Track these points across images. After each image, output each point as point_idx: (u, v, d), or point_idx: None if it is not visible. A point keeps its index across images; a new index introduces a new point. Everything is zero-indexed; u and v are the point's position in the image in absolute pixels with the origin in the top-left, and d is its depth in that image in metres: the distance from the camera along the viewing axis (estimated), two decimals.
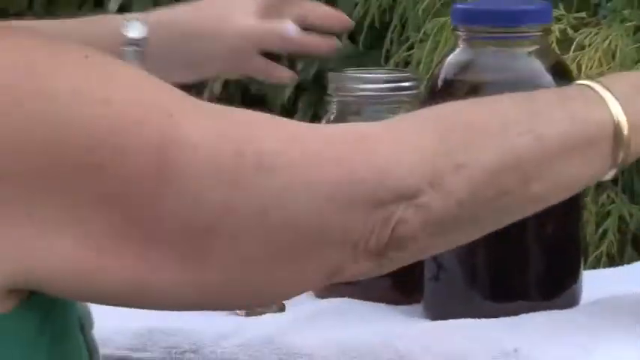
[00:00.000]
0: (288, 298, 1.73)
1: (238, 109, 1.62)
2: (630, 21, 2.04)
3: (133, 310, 1.77)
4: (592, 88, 1.75)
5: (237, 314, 1.84)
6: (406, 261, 1.69)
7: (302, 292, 1.71)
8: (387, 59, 2.22)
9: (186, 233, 1.60)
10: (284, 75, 2.67)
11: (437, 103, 1.79)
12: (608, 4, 2.11)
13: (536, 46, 1.79)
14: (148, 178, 1.58)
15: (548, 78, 1.78)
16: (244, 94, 3.05)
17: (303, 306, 1.86)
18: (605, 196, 2.00)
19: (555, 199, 1.77)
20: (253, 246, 1.61)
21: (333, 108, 1.93)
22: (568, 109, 1.75)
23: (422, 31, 2.21)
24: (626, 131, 1.72)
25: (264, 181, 1.59)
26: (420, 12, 2.25)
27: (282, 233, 1.61)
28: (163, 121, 1.62)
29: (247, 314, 1.85)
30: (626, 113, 1.73)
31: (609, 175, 1.71)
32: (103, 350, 1.72)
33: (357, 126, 1.72)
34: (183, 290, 1.63)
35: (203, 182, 1.58)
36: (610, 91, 1.75)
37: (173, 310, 1.77)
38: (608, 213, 1.98)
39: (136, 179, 1.58)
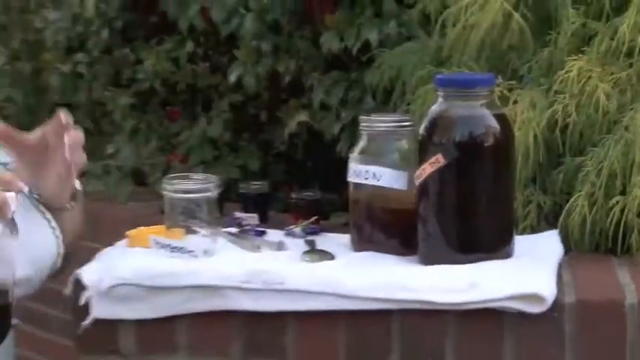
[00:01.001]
0: None
1: None
2: (543, 85, 1.98)
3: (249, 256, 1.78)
4: None
5: (306, 261, 1.77)
6: None
7: None
8: (394, 110, 2.20)
9: None
10: None
11: (427, 134, 1.75)
12: (530, 75, 2.05)
13: (485, 101, 1.74)
14: None
15: (493, 120, 1.72)
16: (309, 130, 2.99)
17: (346, 256, 1.82)
18: (528, 191, 1.94)
19: None
20: None
21: (364, 137, 1.85)
22: None
23: (416, 93, 2.15)
24: None
25: None
26: (414, 81, 2.19)
27: None
28: None
29: (312, 261, 1.77)
30: None
31: None
32: (223, 282, 1.69)
33: None
34: None
35: None
36: None
37: None
38: (530, 201, 1.93)
39: None
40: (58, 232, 1.82)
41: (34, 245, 1.75)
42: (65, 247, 1.85)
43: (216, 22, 3.17)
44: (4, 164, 1.79)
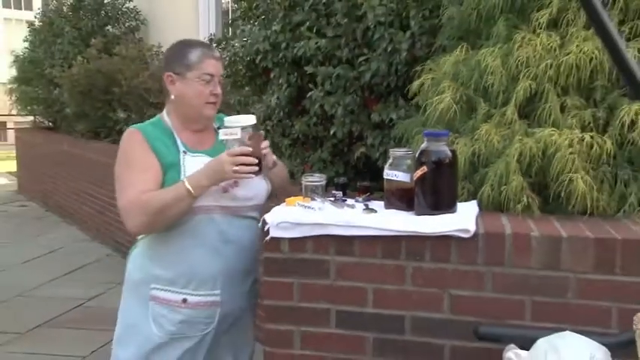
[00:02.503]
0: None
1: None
2: (469, 136, 1.93)
3: (339, 211, 1.67)
4: (183, 181, 1.75)
5: (365, 213, 1.73)
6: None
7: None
8: (404, 146, 2.16)
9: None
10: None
11: (419, 157, 1.69)
12: (464, 131, 1.99)
13: (445, 142, 1.70)
14: None
15: (449, 152, 1.68)
16: (365, 156, 2.96)
17: (382, 211, 1.76)
18: (463, 183, 1.91)
19: (175, 216, 1.78)
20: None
21: (391, 158, 1.81)
22: (173, 189, 1.76)
23: (414, 139, 2.11)
24: (190, 187, 1.74)
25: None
26: (413, 134, 2.16)
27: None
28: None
29: (368, 213, 1.73)
30: (189, 182, 1.75)
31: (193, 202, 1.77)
32: (328, 221, 1.64)
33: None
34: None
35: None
36: (187, 179, 1.76)
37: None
38: (464, 187, 1.89)
39: None
40: (267, 179, 1.97)
41: (258, 184, 1.94)
42: (272, 186, 2.01)
43: (326, 109, 3.15)
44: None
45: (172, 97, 1.89)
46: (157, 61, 5.89)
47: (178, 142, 1.87)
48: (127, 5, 7.58)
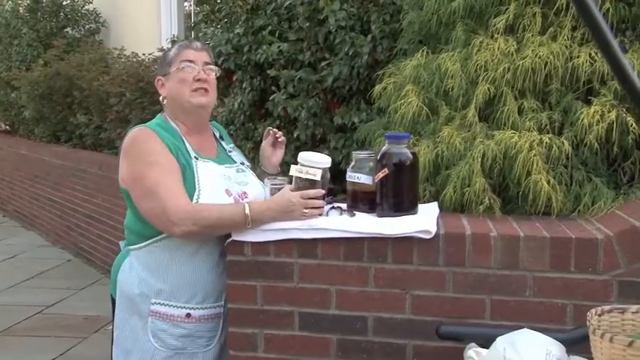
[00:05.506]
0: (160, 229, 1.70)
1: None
2: (431, 139, 1.94)
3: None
4: (244, 206, 1.66)
5: (347, 216, 1.71)
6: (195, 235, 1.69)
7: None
8: (367, 149, 2.16)
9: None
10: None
11: (380, 159, 1.69)
12: (425, 134, 2.00)
13: (406, 145, 1.70)
14: None
15: (409, 154, 1.69)
16: None
17: (355, 214, 1.75)
18: (424, 185, 1.91)
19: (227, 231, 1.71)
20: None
21: (353, 160, 1.80)
22: (232, 209, 1.68)
23: (375, 141, 2.11)
24: (250, 217, 1.64)
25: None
26: (375, 137, 2.16)
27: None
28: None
29: (351, 216, 1.71)
30: (251, 212, 1.64)
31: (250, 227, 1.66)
32: (291, 227, 1.63)
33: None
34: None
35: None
36: (250, 206, 1.66)
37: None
38: (425, 189, 1.90)
39: None
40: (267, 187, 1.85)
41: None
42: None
43: (289, 112, 3.12)
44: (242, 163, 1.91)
45: (163, 99, 1.83)
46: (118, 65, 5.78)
47: (188, 146, 1.79)
48: (86, 7, 7.42)
